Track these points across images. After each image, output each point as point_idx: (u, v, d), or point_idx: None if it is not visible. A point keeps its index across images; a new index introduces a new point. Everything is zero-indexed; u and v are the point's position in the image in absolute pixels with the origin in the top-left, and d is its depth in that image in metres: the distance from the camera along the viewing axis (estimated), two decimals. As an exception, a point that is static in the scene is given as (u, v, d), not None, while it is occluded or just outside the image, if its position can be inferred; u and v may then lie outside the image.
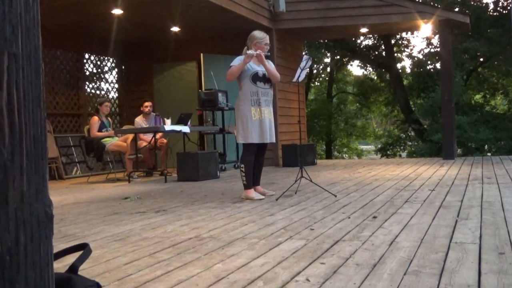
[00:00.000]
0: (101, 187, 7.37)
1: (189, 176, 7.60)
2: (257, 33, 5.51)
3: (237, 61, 5.28)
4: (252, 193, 5.30)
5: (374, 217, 3.88)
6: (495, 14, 17.63)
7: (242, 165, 5.33)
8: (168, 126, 7.81)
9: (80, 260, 1.33)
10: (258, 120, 5.27)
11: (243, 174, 5.31)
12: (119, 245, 3.23)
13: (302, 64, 5.55)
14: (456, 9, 17.31)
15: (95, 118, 8.12)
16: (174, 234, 3.51)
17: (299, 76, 5.61)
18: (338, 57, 20.20)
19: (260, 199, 5.22)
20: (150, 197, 5.90)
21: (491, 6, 17.96)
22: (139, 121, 8.60)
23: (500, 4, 17.80)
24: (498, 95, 20.96)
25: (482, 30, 17.03)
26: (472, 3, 18.16)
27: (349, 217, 3.92)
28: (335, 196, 5.19)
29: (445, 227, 3.36)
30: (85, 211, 4.93)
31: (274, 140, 5.54)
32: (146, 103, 8.69)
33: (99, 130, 8.08)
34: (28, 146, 0.71)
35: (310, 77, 19.55)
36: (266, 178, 7.20)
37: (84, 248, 1.36)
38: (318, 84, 22.43)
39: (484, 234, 3.11)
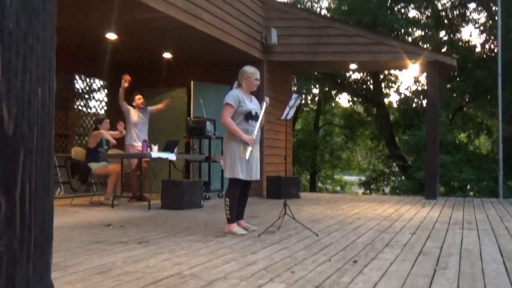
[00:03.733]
0: (84, 211, 7.34)
1: (173, 204, 7.60)
2: (249, 68, 5.58)
3: (231, 98, 5.33)
4: (235, 228, 5.33)
5: (355, 261, 3.93)
6: (482, 56, 18.01)
7: (227, 199, 5.36)
8: (155, 153, 7.84)
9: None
10: (246, 156, 5.31)
11: (227, 208, 5.34)
12: (101, 279, 3.24)
13: (291, 103, 5.64)
14: (444, 49, 17.68)
15: (101, 132, 8.11)
16: (156, 270, 3.53)
17: (287, 114, 5.69)
18: (326, 89, 20.45)
19: (243, 234, 5.24)
20: (133, 225, 5.90)
21: (478, 48, 18.36)
22: (134, 115, 8.62)
23: (487, 47, 18.21)
24: (482, 135, 21.28)
25: (469, 71, 17.37)
26: (460, 43, 18.56)
27: (329, 260, 3.96)
28: (317, 235, 5.24)
29: (424, 277, 3.42)
30: (68, 237, 4.92)
31: (259, 178, 5.61)
32: (138, 96, 8.73)
33: (96, 147, 8.11)
34: (36, 234, 0.76)
35: (298, 108, 19.73)
36: (249, 211, 7.22)
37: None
38: (305, 113, 22.61)
39: (462, 286, 3.17)
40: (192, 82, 9.98)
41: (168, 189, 7.73)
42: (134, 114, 8.68)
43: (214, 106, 9.32)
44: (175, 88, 10.59)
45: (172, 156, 8.00)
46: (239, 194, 5.41)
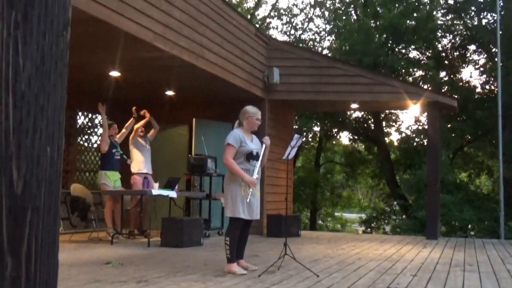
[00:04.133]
0: (83, 248, 7.29)
1: (173, 241, 7.56)
2: (250, 108, 5.63)
3: (232, 138, 5.36)
4: (235, 267, 5.29)
5: (355, 305, 3.89)
6: (483, 96, 18.15)
7: (228, 238, 5.34)
8: (156, 190, 7.84)
9: None
10: (247, 196, 5.31)
11: (227, 248, 5.31)
12: (98, 321, 3.20)
13: (293, 143, 5.68)
14: (445, 89, 17.83)
15: (105, 132, 8.28)
16: (154, 311, 3.49)
17: (289, 154, 5.72)
18: (327, 127, 20.57)
19: (242, 274, 5.20)
20: (132, 263, 5.86)
21: (479, 88, 18.53)
22: (141, 141, 8.82)
23: (487, 87, 18.37)
24: (483, 175, 21.25)
25: (469, 111, 17.48)
26: (460, 84, 18.73)
27: (330, 303, 3.92)
28: (318, 276, 5.19)
29: (425, 323, 3.38)
30: (67, 276, 4.87)
31: (259, 217, 5.61)
32: (141, 129, 8.91)
33: (110, 149, 8.21)
34: (41, 291, 0.77)
35: (299, 148, 19.83)
36: (249, 249, 7.15)
37: None
38: (306, 151, 22.67)
39: (463, 333, 3.13)
40: (193, 119, 10.04)
41: (168, 226, 7.70)
42: (142, 144, 8.88)
43: (216, 143, 9.35)
44: (176, 125, 10.65)
45: (173, 194, 8.00)
46: (239, 233, 5.39)
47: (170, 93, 9.92)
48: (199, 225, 7.98)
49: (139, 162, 8.74)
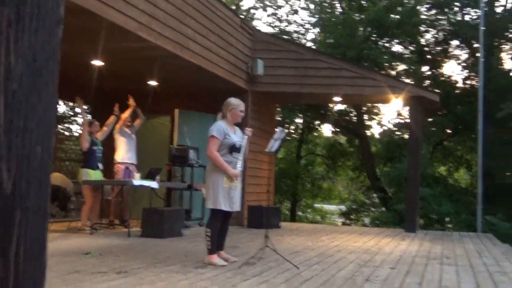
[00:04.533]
0: (62, 238, 7.24)
1: (153, 232, 7.54)
2: (233, 100, 5.63)
3: (216, 130, 5.36)
4: (215, 259, 5.31)
5: (335, 297, 3.93)
6: (464, 91, 18.35)
7: (208, 230, 5.35)
8: (137, 180, 7.80)
9: None
10: (229, 188, 5.34)
11: (208, 239, 5.33)
12: (79, 312, 3.20)
13: (276, 136, 5.70)
14: (427, 83, 17.98)
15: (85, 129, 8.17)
16: (135, 303, 3.50)
17: (272, 147, 5.74)
18: (309, 119, 20.63)
19: (223, 266, 5.23)
20: (111, 253, 5.84)
21: (460, 83, 18.73)
22: (127, 130, 8.81)
23: (469, 82, 18.58)
24: (462, 168, 21.54)
25: (450, 105, 17.67)
26: (442, 79, 18.90)
27: (310, 296, 3.96)
28: (298, 268, 5.23)
29: (403, 316, 3.43)
30: (45, 266, 4.84)
31: (239, 209, 5.63)
32: (128, 119, 8.92)
33: (91, 146, 8.13)
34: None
35: (283, 139, 19.87)
36: (230, 240, 7.16)
37: None
38: (288, 143, 22.73)
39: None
40: (176, 110, 10.00)
41: (148, 217, 7.68)
42: (128, 134, 8.83)
43: (198, 134, 9.33)
44: (159, 115, 10.59)
45: (154, 184, 7.97)
46: (220, 225, 5.41)
47: (153, 83, 9.85)
48: (180, 216, 7.98)
49: (123, 151, 8.70)
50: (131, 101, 8.82)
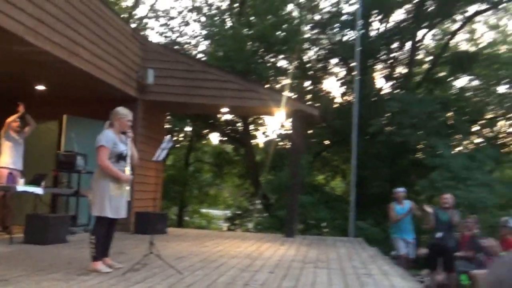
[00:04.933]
0: None
1: (36, 239, 7.45)
2: (121, 110, 5.74)
3: (105, 140, 5.47)
4: (99, 265, 5.40)
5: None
6: (341, 106, 19.66)
7: (93, 237, 5.43)
8: (21, 186, 7.69)
9: None
10: (116, 195, 5.49)
11: (93, 246, 5.40)
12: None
13: (164, 145, 5.98)
14: (308, 97, 19.06)
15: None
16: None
17: (159, 156, 6.02)
18: (198, 128, 21.00)
19: (107, 272, 5.31)
20: (-6, 261, 5.76)
21: (338, 98, 20.07)
22: (14, 135, 8.59)
23: (346, 98, 19.95)
24: (338, 177, 23.00)
25: (328, 119, 18.87)
26: (322, 93, 20.12)
27: (192, 298, 4.29)
28: (181, 273, 5.51)
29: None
30: None
31: (126, 216, 5.81)
32: (16, 123, 8.74)
33: None
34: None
35: (170, 148, 20.04)
36: (115, 247, 7.26)
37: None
38: (177, 150, 22.92)
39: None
40: (64, 116, 9.89)
41: (32, 223, 7.58)
42: (15, 138, 8.61)
43: (87, 140, 9.29)
44: (46, 121, 10.38)
45: (39, 190, 7.89)
46: (105, 231, 5.53)
47: (41, 88, 9.67)
48: (65, 222, 7.96)
49: (8, 157, 8.48)
50: (21, 108, 8.61)
